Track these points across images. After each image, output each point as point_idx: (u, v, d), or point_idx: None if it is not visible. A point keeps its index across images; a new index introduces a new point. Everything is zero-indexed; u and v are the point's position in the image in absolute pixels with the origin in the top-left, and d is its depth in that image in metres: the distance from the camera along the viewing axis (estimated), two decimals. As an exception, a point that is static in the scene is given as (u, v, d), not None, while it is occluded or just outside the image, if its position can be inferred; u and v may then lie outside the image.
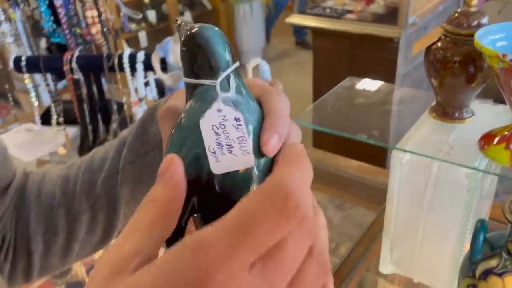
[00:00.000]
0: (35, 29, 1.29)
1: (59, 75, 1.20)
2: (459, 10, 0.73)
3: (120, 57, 1.10)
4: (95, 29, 1.24)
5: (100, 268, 0.23)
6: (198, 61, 0.30)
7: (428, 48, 0.75)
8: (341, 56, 2.57)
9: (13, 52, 1.29)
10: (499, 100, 0.84)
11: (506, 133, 0.67)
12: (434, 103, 0.80)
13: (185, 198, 0.27)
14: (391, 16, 2.33)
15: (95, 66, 1.12)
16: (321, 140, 2.18)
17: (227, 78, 0.30)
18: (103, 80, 1.19)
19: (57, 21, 1.26)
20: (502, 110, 0.82)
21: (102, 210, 0.50)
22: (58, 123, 1.23)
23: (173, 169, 0.25)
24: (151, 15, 3.65)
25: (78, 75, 1.13)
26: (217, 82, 0.30)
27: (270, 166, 0.30)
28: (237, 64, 0.31)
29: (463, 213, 0.71)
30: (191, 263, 0.20)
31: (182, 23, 0.32)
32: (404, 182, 0.75)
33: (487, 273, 0.63)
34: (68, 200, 0.52)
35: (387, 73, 2.41)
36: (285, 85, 0.33)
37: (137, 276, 0.21)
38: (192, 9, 3.94)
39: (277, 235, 0.20)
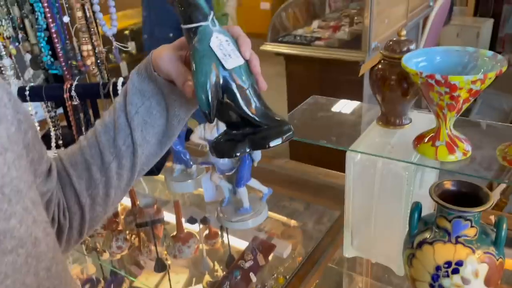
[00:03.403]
0: (34, 62, 1.44)
1: (59, 103, 1.35)
2: (394, 39, 0.92)
3: (115, 85, 1.25)
4: (90, 61, 1.40)
5: None
6: (193, 11, 0.53)
7: (371, 70, 0.94)
8: (311, 79, 2.77)
9: (13, 83, 1.43)
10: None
11: (432, 134, 0.85)
12: (380, 113, 0.98)
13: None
14: (355, 42, 2.56)
15: (92, 93, 1.27)
16: (296, 153, 2.40)
17: (212, 18, 0.55)
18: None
19: (54, 55, 1.42)
20: (433, 117, 1.00)
21: (124, 156, 0.66)
22: (57, 146, 1.37)
23: None
24: (131, 46, 3.81)
25: (77, 102, 1.28)
26: (208, 22, 0.54)
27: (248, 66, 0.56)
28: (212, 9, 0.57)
29: (406, 201, 0.88)
30: None
31: None
32: (357, 178, 0.92)
33: (421, 243, 0.80)
34: (96, 158, 0.66)
35: (355, 93, 2.62)
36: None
37: None
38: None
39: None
